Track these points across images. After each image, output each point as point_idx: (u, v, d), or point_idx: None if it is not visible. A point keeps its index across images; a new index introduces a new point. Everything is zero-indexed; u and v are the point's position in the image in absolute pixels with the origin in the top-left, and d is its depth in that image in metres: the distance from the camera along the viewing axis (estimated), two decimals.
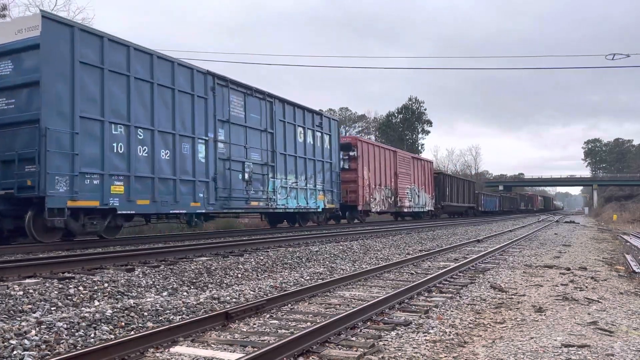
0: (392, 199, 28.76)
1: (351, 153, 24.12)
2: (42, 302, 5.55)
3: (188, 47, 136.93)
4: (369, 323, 5.35)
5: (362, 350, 4.37)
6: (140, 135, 12.37)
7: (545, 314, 6.02)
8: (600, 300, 6.89)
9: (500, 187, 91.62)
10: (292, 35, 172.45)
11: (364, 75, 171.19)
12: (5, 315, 5.04)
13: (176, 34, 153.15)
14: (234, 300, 6.49)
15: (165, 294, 6.65)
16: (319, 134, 20.39)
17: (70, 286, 6.25)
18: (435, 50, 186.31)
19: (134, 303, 5.77)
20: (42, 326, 4.67)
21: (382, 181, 27.24)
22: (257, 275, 8.45)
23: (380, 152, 27.38)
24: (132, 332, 4.87)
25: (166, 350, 4.35)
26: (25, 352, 4.05)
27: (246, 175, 15.99)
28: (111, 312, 5.32)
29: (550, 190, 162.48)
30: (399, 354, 4.33)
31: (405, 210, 31.27)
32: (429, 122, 79.03)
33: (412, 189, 31.94)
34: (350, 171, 24.11)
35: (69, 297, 5.86)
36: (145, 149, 12.49)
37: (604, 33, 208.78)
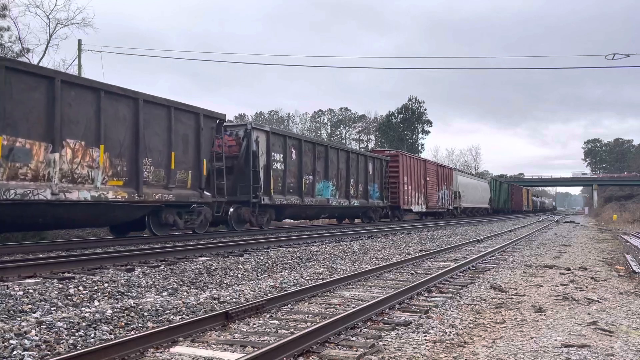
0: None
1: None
2: (42, 302, 5.55)
3: (145, 29, 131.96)
4: (369, 323, 5.35)
5: (362, 350, 4.36)
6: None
7: (545, 314, 6.03)
8: (600, 300, 6.89)
9: None
10: (262, 20, 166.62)
11: (352, 70, 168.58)
12: (5, 315, 5.05)
13: (131, 14, 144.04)
14: (234, 300, 6.49)
15: (165, 294, 6.65)
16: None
17: (70, 286, 6.25)
18: (421, 31, 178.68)
19: (134, 303, 5.77)
20: (42, 326, 4.67)
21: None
22: (257, 275, 8.45)
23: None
24: (132, 332, 4.86)
25: (166, 350, 4.35)
26: (25, 352, 4.05)
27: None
28: (111, 312, 5.32)
29: (550, 190, 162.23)
30: (399, 354, 4.33)
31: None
32: (429, 122, 79.10)
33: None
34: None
35: (69, 297, 5.87)
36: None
37: (610, 13, 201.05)
